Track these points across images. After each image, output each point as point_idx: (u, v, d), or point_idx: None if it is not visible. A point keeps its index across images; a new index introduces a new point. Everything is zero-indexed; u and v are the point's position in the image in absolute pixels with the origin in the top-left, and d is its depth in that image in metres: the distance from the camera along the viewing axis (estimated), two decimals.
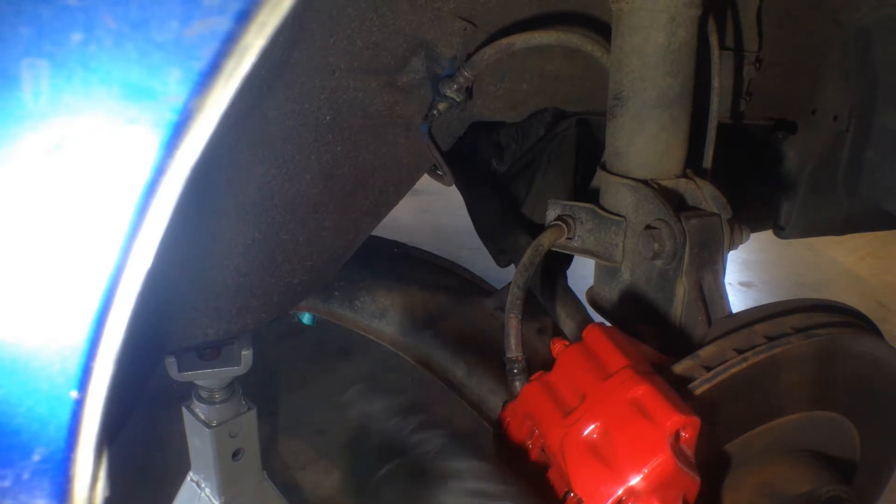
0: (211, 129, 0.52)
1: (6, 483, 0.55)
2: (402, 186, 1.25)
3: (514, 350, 1.03)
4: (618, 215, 1.08)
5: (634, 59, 1.03)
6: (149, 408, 2.20)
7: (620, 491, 0.78)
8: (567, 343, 0.95)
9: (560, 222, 1.12)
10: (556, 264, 1.44)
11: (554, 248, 1.13)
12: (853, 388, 1.08)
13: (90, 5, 0.50)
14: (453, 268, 1.87)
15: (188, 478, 1.61)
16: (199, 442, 1.52)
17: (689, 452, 0.80)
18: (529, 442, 0.93)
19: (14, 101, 0.49)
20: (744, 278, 3.92)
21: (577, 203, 1.13)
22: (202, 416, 1.49)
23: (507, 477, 0.94)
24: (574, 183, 1.58)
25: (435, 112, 1.14)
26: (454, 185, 1.45)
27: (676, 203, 1.07)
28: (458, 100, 1.12)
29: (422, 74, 1.13)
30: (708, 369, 0.93)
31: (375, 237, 1.74)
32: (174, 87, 0.51)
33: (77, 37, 0.50)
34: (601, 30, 1.17)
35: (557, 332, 1.41)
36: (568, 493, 0.85)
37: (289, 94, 1.03)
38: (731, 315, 1.05)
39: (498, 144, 1.72)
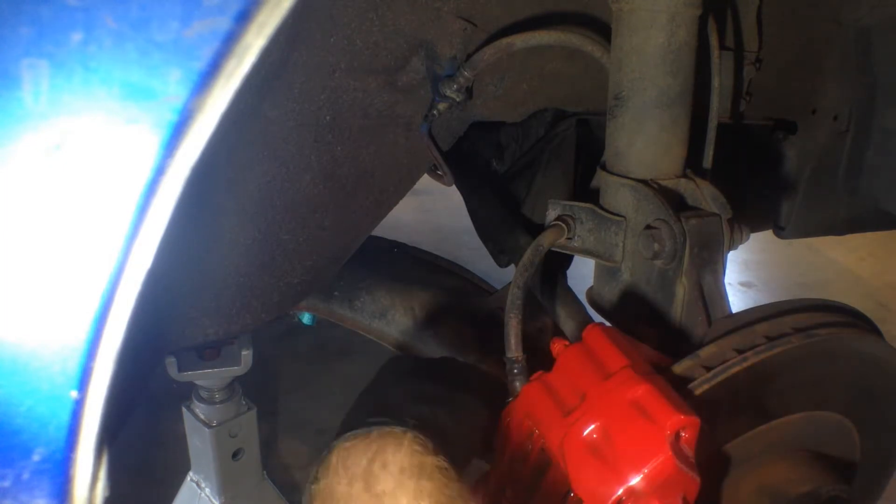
0: (211, 130, 0.52)
1: (6, 483, 0.55)
2: (402, 186, 1.24)
3: (514, 350, 1.03)
4: (618, 215, 1.08)
5: (634, 59, 1.03)
6: (149, 408, 2.21)
7: (620, 491, 0.78)
8: (567, 343, 0.95)
9: (560, 222, 1.12)
10: (556, 264, 1.44)
11: (554, 248, 1.13)
12: (853, 388, 1.08)
13: (90, 5, 0.50)
14: (453, 268, 1.86)
15: (188, 478, 1.61)
16: (199, 442, 1.52)
17: (689, 452, 0.80)
18: (529, 442, 0.93)
19: (14, 101, 0.50)
20: (744, 278, 3.92)
21: (577, 203, 1.13)
22: (202, 416, 1.50)
23: None
24: (574, 183, 1.58)
25: (435, 112, 1.13)
26: (454, 185, 1.44)
27: (676, 203, 1.06)
28: (458, 100, 1.12)
29: (422, 74, 1.12)
30: (708, 369, 0.93)
31: (375, 237, 1.74)
32: (174, 87, 0.51)
33: (77, 37, 0.50)
34: (601, 30, 1.17)
35: (557, 332, 1.41)
36: (568, 492, 0.85)
37: (289, 94, 1.03)
38: (731, 315, 1.05)
39: (498, 144, 1.72)
